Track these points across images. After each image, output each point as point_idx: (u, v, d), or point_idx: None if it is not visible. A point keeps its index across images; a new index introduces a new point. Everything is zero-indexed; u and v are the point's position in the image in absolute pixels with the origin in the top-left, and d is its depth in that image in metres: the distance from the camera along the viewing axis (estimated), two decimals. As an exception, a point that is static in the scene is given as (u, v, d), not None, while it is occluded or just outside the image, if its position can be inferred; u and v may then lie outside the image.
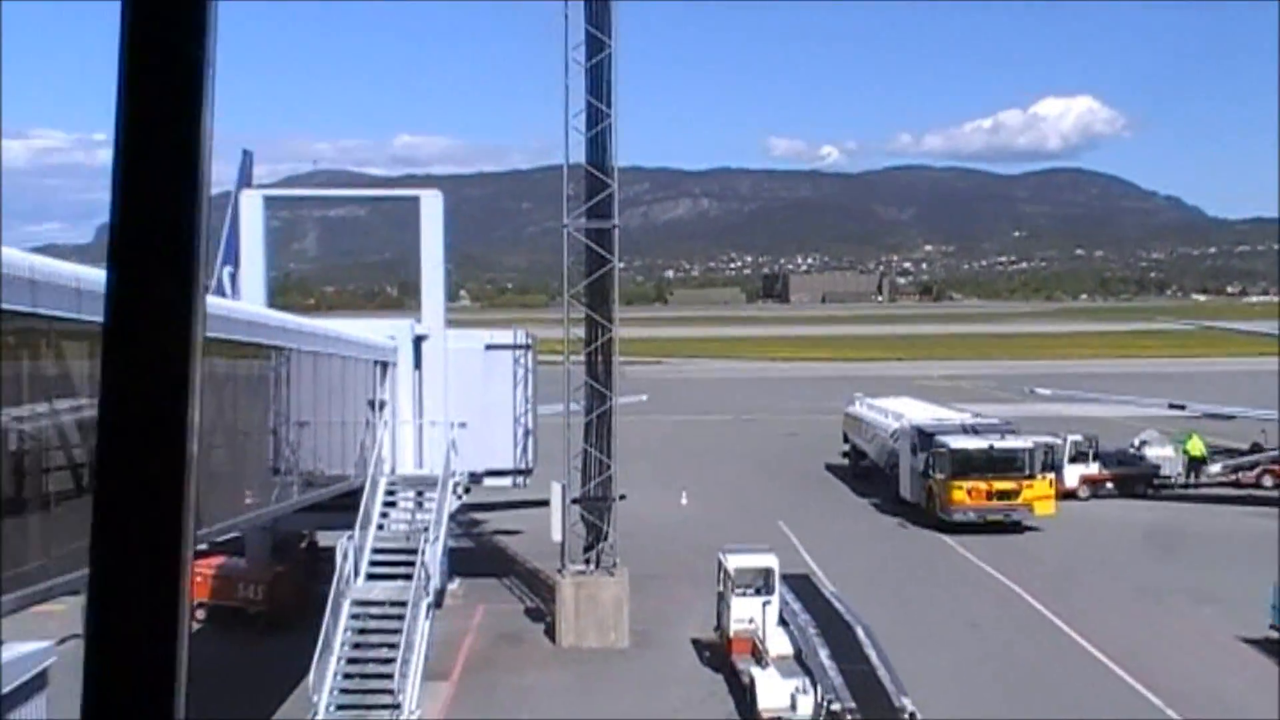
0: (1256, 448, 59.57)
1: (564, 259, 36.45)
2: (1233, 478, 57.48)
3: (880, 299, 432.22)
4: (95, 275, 15.01)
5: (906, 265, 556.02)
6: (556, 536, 35.94)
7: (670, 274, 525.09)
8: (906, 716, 26.18)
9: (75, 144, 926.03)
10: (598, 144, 35.43)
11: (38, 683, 15.50)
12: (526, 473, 39.57)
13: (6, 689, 14.67)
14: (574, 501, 35.92)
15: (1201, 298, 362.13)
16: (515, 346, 39.60)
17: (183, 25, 1.85)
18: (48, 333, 15.58)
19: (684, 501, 53.23)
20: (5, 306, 13.72)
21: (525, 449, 39.19)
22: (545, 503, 36.71)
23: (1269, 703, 29.20)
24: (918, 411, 57.75)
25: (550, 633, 35.31)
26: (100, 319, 1.82)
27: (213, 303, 18.34)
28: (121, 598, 1.82)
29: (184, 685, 1.85)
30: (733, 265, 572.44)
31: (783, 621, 31.34)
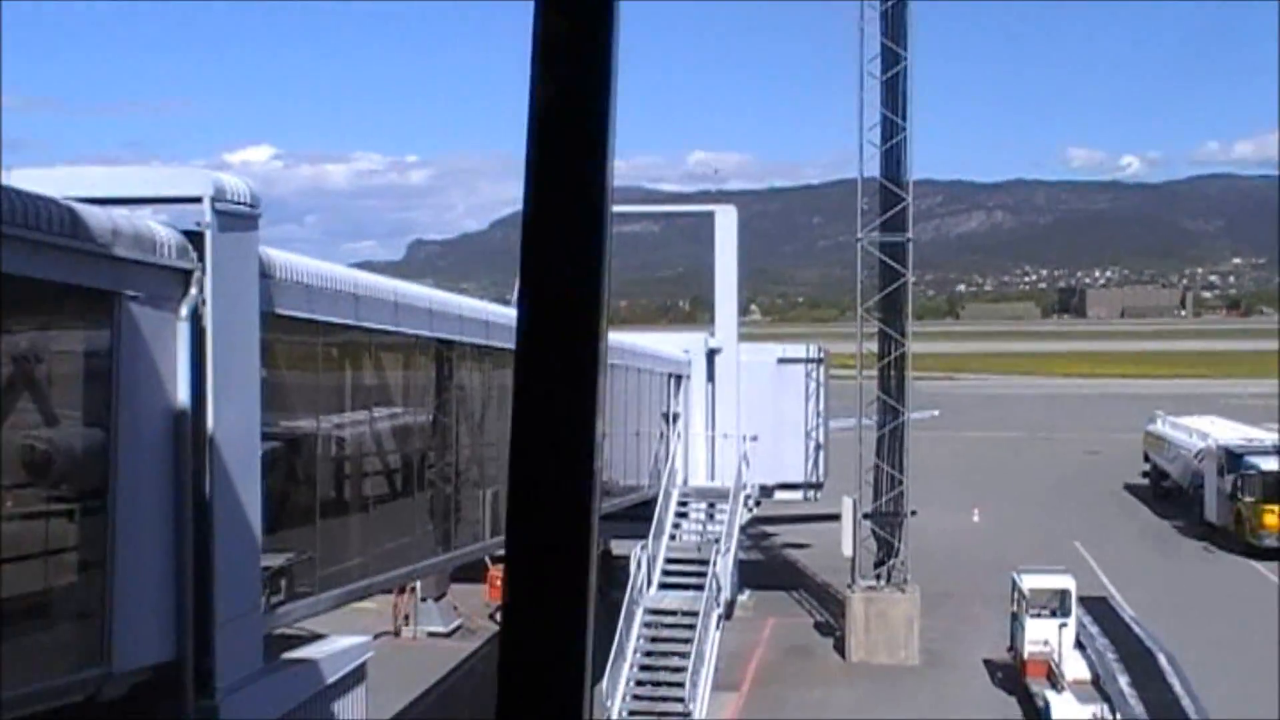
0: None
1: (857, 273, 36.43)
2: None
3: (1183, 314, 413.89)
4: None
5: (1212, 278, 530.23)
6: (847, 551, 35.89)
7: (962, 288, 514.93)
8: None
9: (390, 166, 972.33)
10: (891, 157, 35.32)
11: (358, 675, 16.46)
12: (818, 487, 39.63)
13: (330, 681, 15.64)
14: (865, 516, 35.82)
15: None
16: (808, 360, 39.78)
17: (589, 30, 1.90)
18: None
19: (976, 519, 52.28)
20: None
21: (816, 463, 39.27)
22: (836, 517, 36.71)
23: None
24: (1225, 431, 55.27)
25: (840, 647, 35.28)
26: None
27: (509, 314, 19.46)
28: (535, 604, 1.91)
29: (589, 687, 1.95)
30: (1026, 279, 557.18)
31: (1079, 645, 30.55)
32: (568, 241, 1.89)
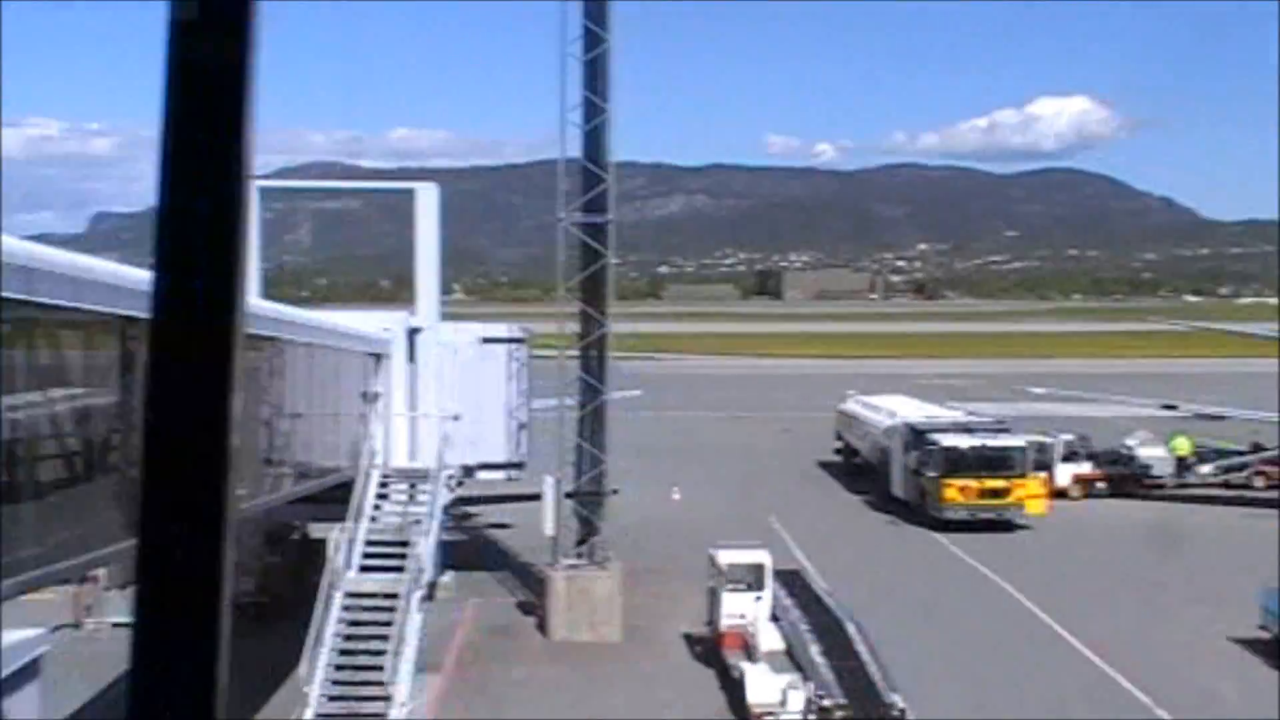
0: (1257, 448, 59.73)
1: (559, 254, 36.46)
2: (1224, 478, 57.58)
3: (874, 297, 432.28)
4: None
5: (900, 263, 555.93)
6: (549, 530, 35.97)
7: (664, 270, 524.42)
8: (896, 713, 26.34)
9: (69, 133, 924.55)
10: (594, 139, 35.47)
11: (31, 671, 15.47)
12: (519, 466, 39.55)
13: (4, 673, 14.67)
14: (567, 496, 35.96)
15: (1194, 299, 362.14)
16: (510, 340, 39.59)
17: (226, 21, 1.87)
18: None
19: (676, 497, 53.26)
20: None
21: (518, 443, 39.17)
22: (538, 497, 36.74)
23: (1259, 701, 29.37)
24: (910, 409, 57.79)
25: (542, 626, 35.35)
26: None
27: None
28: (165, 590, 1.84)
29: (224, 680, 1.86)
30: (727, 262, 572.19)
31: (774, 617, 31.41)
32: (203, 220, 1.88)
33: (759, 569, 32.11)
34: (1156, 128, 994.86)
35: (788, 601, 32.46)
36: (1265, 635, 33.05)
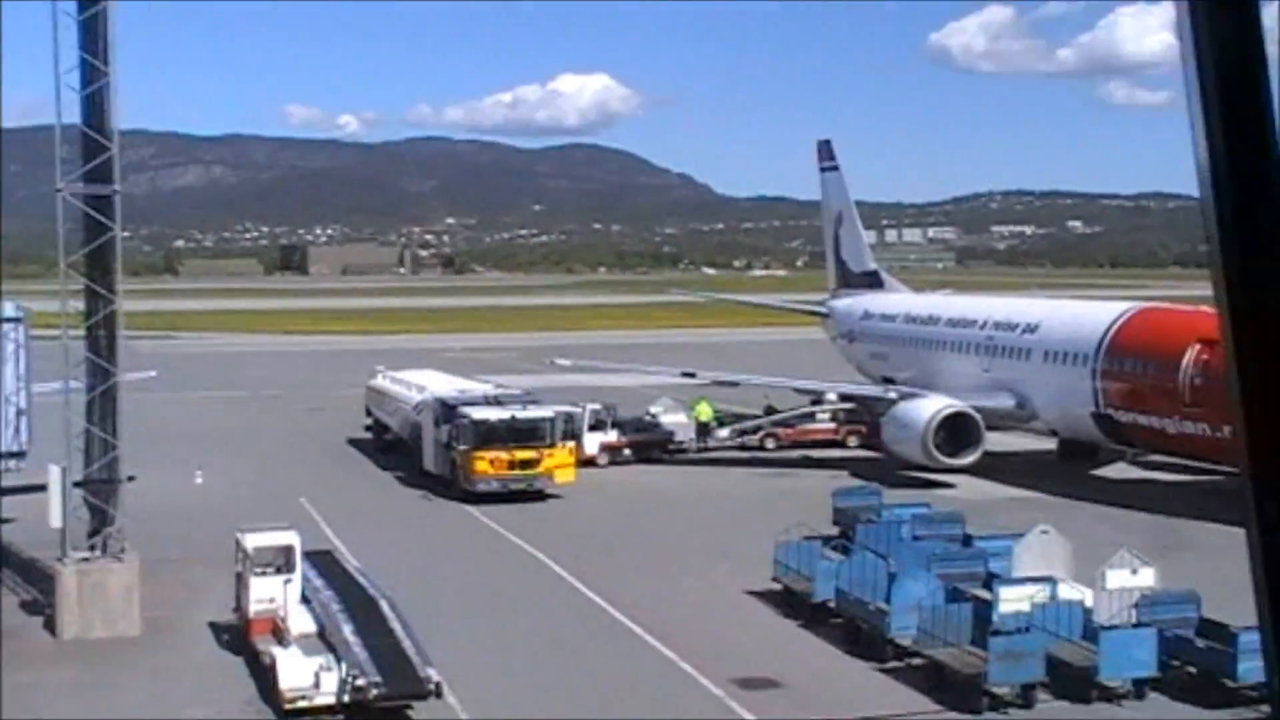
0: (770, 410, 63.50)
1: (59, 226, 33.80)
2: (739, 441, 60.91)
3: (403, 271, 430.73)
4: None
5: (429, 238, 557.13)
6: (56, 522, 33.39)
7: (181, 244, 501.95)
8: (432, 687, 26.21)
9: None
10: (94, 104, 33.04)
11: None
12: (19, 455, 36.64)
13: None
14: (76, 485, 33.48)
15: (711, 271, 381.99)
16: (5, 320, 36.54)
17: None
18: None
19: (199, 481, 50.91)
20: None
21: (18, 430, 36.24)
22: (43, 487, 34.06)
23: (767, 644, 31.23)
24: (440, 384, 57.77)
25: (51, 625, 32.85)
26: None
27: None
28: None
29: None
30: (248, 236, 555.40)
31: (306, 599, 30.53)
32: None
33: (288, 551, 31.07)
34: (674, 106, 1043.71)
35: (319, 582, 31.63)
36: (777, 587, 35.09)
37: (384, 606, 29.89)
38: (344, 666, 26.80)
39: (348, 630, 28.58)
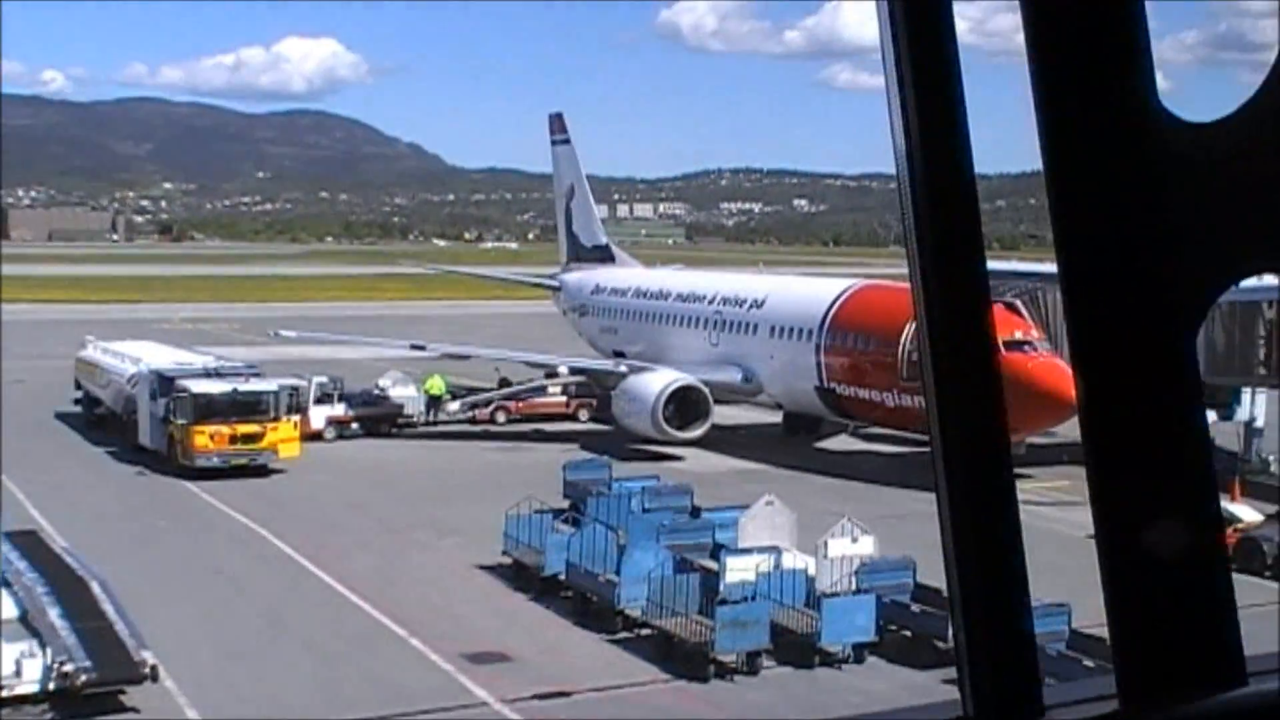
0: (505, 383, 63.27)
1: None
2: (470, 414, 60.48)
3: (116, 238, 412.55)
4: None
5: (144, 203, 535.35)
6: None
7: None
8: (147, 670, 25.14)
9: None
10: None
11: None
12: None
13: None
14: None
15: (442, 243, 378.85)
16: None
17: None
18: None
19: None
20: None
21: None
22: None
23: (498, 621, 31.11)
24: (158, 355, 55.58)
25: None
26: None
27: None
28: None
29: None
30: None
31: (6, 583, 28.78)
32: None
33: (-19, 532, 29.28)
34: (403, 75, 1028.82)
35: (21, 564, 29.88)
36: (507, 560, 34.95)
37: (94, 588, 28.47)
38: (49, 652, 25.43)
39: (54, 614, 27.10)
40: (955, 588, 2.68)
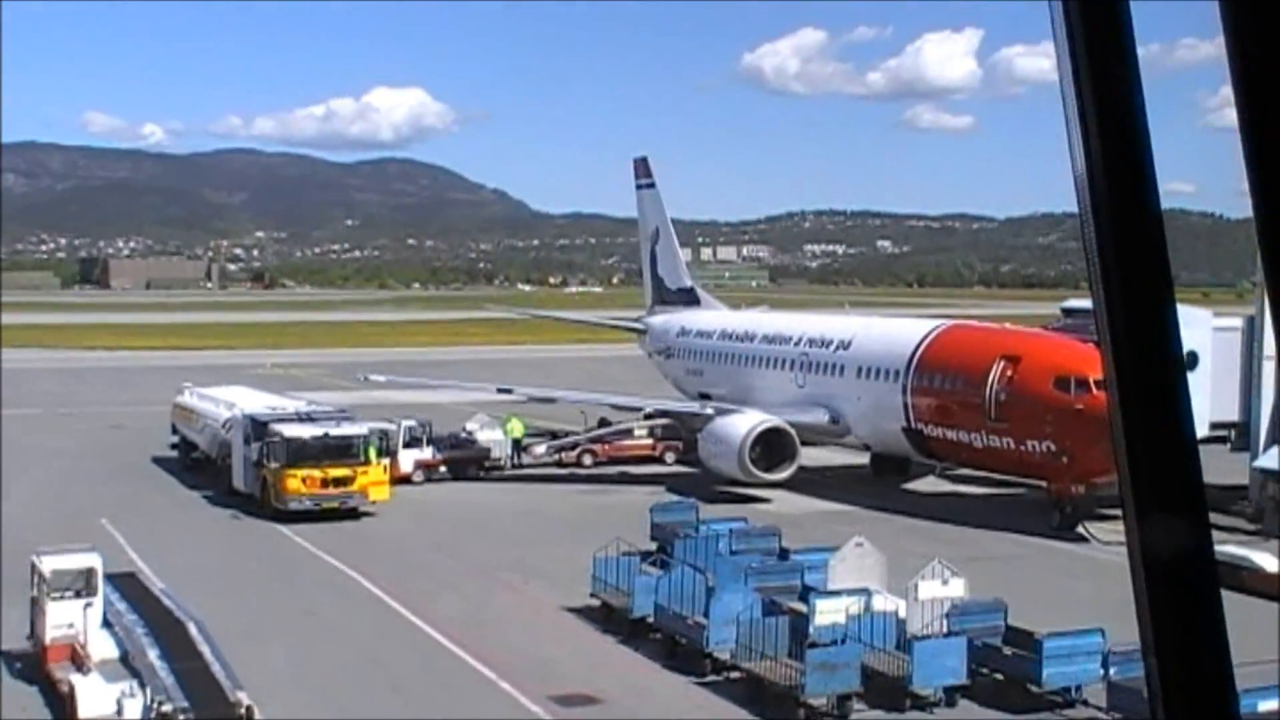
0: (604, 424, 63.51)
1: None
2: (556, 457, 60.71)
3: (210, 286, 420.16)
4: None
5: (238, 251, 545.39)
6: None
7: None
8: (243, 711, 25.42)
9: None
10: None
11: None
12: None
13: None
14: None
15: (526, 287, 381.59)
16: None
17: None
18: None
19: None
20: None
21: None
22: None
23: (585, 659, 31.11)
24: (251, 400, 56.43)
25: None
26: None
27: None
28: None
29: None
30: (44, 247, 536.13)
31: (108, 624, 29.37)
32: None
33: (89, 573, 29.81)
34: (488, 122, 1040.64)
35: (121, 606, 30.48)
36: (595, 603, 34.98)
37: (191, 629, 28.95)
38: (148, 692, 25.84)
39: (153, 655, 27.61)
40: (1145, 610, 2.49)
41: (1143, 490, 2.50)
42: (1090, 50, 2.44)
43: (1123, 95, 2.45)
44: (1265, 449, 47.05)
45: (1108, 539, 43.14)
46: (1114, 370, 2.52)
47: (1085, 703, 28.15)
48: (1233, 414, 47.73)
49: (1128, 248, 2.48)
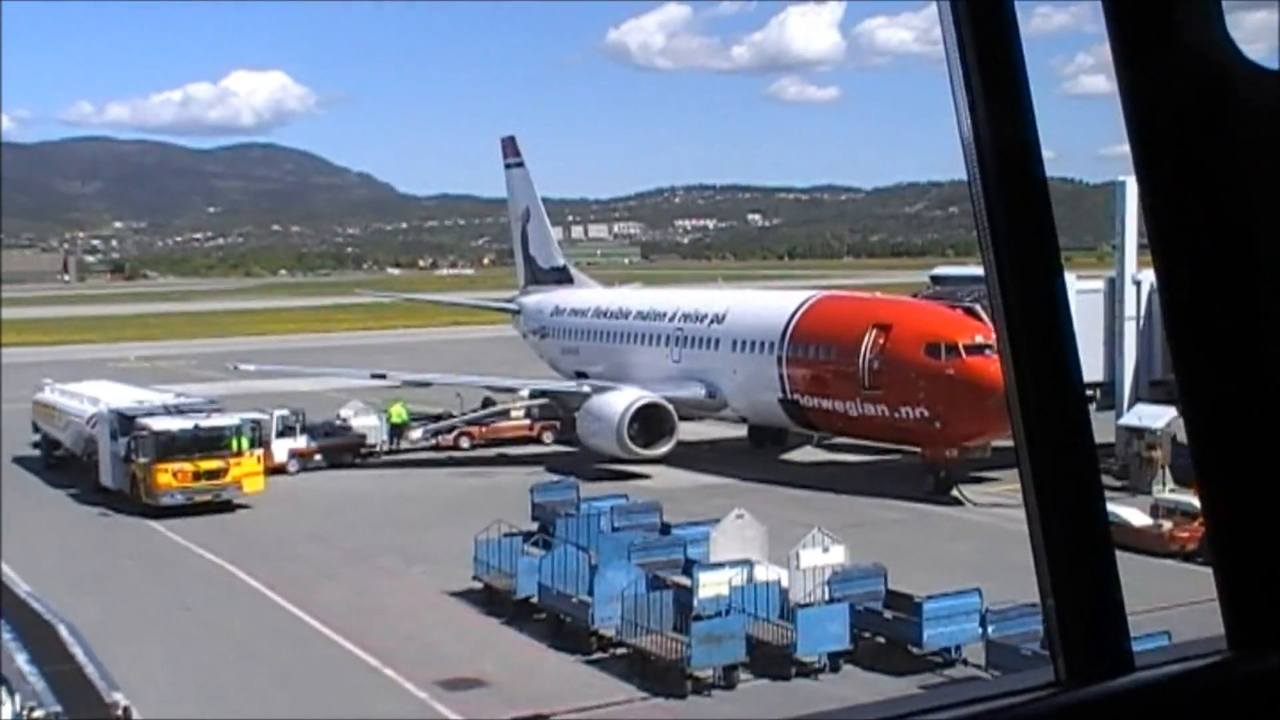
0: (489, 404, 63.06)
1: None
2: (434, 441, 60.20)
3: (67, 279, 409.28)
4: None
5: (95, 243, 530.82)
6: None
7: None
8: (120, 712, 24.83)
9: None
10: None
11: None
12: None
13: None
14: None
15: (396, 271, 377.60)
16: None
17: None
18: None
19: None
20: None
21: None
22: None
23: (471, 647, 30.93)
24: (116, 395, 55.11)
25: None
26: None
27: None
28: None
29: None
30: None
31: (-29, 631, 28.45)
32: None
33: (-50, 580, 28.92)
34: (351, 104, 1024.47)
35: (-14, 611, 29.53)
36: (479, 586, 34.79)
37: (62, 631, 28.15)
38: (18, 699, 25.09)
39: (21, 660, 26.77)
40: (1043, 559, 2.70)
41: (1036, 443, 2.66)
42: (974, 19, 2.51)
43: (1007, 63, 2.54)
44: (1129, 407, 48.36)
45: (981, 501, 44.05)
46: (1005, 329, 2.65)
47: (965, 662, 28.71)
48: (1097, 374, 48.82)
49: (1016, 212, 2.60)
